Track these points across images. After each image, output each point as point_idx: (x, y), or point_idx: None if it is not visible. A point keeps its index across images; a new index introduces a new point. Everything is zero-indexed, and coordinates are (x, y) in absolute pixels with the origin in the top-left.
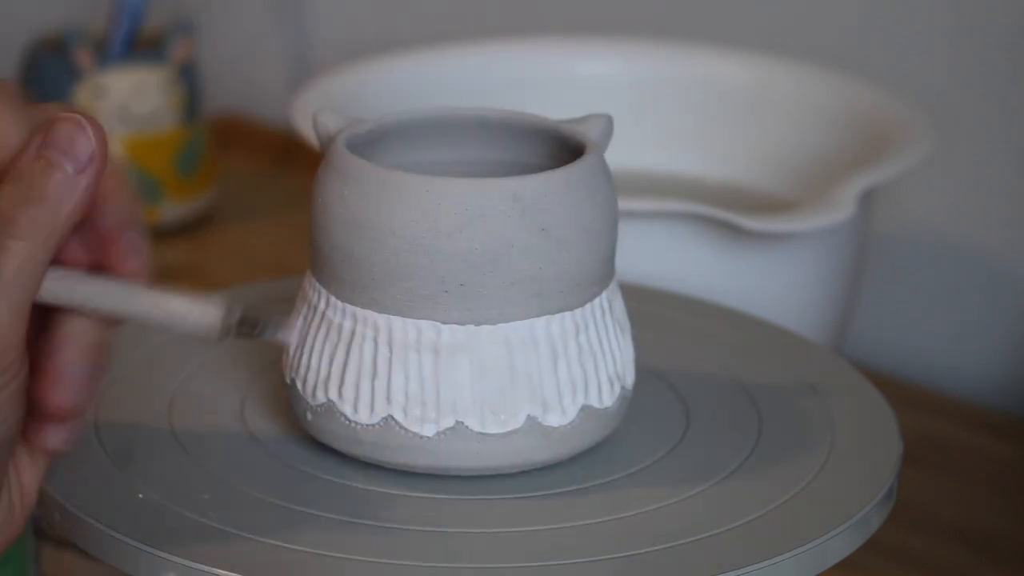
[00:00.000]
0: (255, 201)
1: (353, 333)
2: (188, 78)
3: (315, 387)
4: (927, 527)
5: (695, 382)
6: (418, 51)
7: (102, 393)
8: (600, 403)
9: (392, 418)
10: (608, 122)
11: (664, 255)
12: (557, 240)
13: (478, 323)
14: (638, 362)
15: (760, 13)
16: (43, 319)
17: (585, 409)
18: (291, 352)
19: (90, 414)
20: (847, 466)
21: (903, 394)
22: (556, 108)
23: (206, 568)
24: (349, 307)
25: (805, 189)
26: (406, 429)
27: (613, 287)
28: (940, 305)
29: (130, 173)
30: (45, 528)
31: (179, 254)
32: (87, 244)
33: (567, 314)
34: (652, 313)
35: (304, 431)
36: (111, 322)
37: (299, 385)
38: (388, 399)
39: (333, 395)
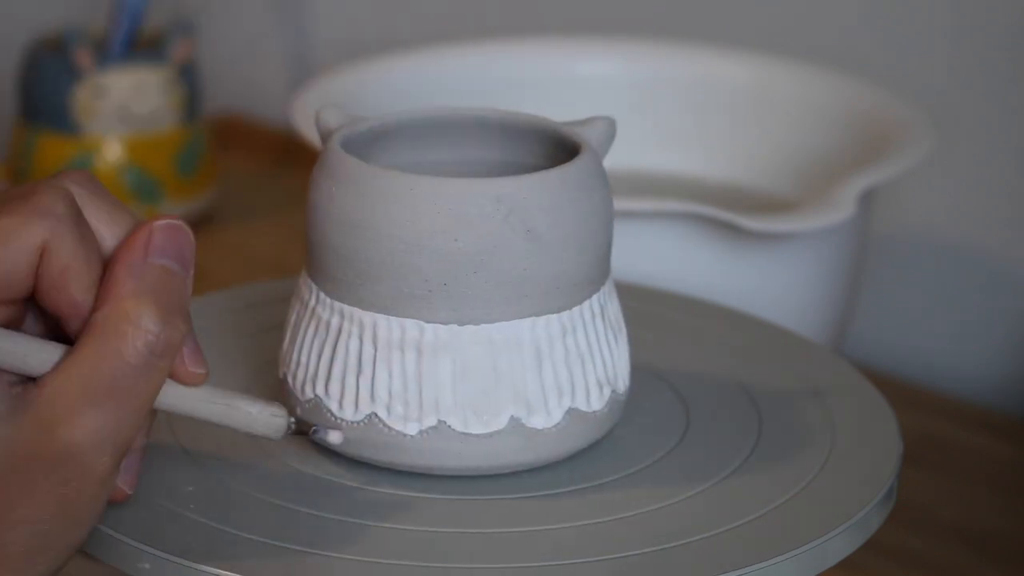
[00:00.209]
0: (255, 201)
1: (340, 330)
2: (188, 78)
3: (304, 383)
4: (927, 527)
5: (695, 382)
6: (418, 51)
7: None
8: (588, 406)
9: (376, 415)
10: (610, 125)
11: (664, 255)
12: (543, 242)
13: (462, 323)
14: (638, 362)
15: (760, 13)
16: None
17: (572, 412)
18: (283, 347)
19: None
20: (847, 466)
21: (903, 394)
22: (556, 108)
23: (206, 568)
24: (337, 304)
25: (805, 189)
26: (389, 427)
27: (607, 290)
28: (940, 305)
29: (130, 173)
30: None
31: None
32: None
33: (553, 316)
34: (652, 313)
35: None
36: None
37: (290, 380)
38: (372, 397)
39: (320, 391)
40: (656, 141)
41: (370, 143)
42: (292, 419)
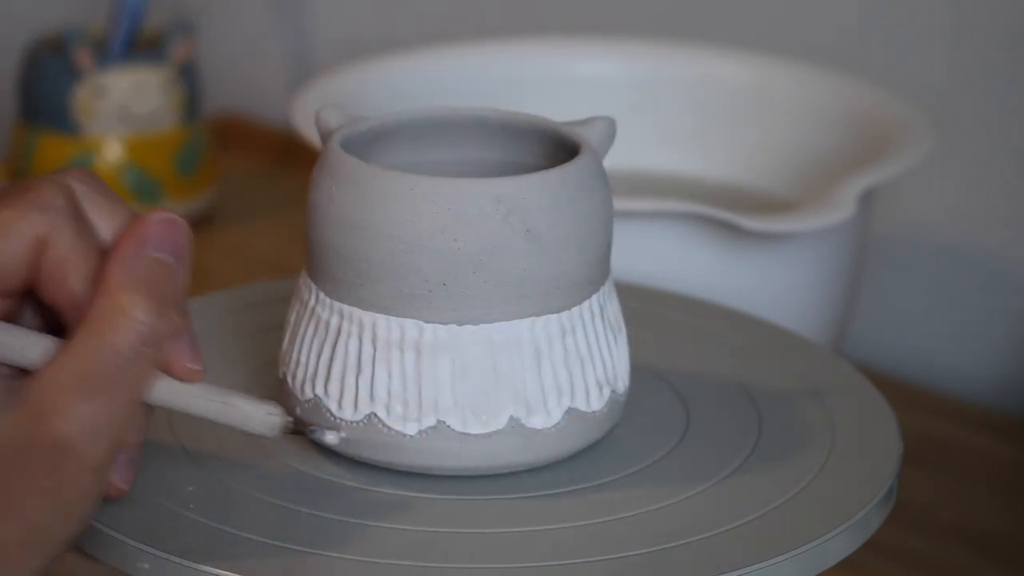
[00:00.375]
0: (255, 201)
1: (339, 330)
2: (188, 78)
3: (303, 383)
4: (927, 527)
5: (695, 382)
6: (418, 51)
7: None
8: (588, 407)
9: (375, 415)
10: (610, 125)
11: (664, 255)
12: (543, 242)
13: (461, 323)
14: (638, 362)
15: (760, 13)
16: None
17: (571, 412)
18: (283, 347)
19: None
20: (847, 466)
21: (903, 394)
22: (556, 108)
23: (206, 568)
24: (337, 304)
25: (805, 189)
26: (389, 427)
27: (606, 290)
28: (940, 305)
29: (130, 173)
30: None
31: None
32: None
33: (552, 316)
34: (652, 313)
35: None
36: None
37: (289, 380)
38: (371, 396)
39: (320, 391)
40: (656, 141)
41: (370, 143)
42: (289, 418)
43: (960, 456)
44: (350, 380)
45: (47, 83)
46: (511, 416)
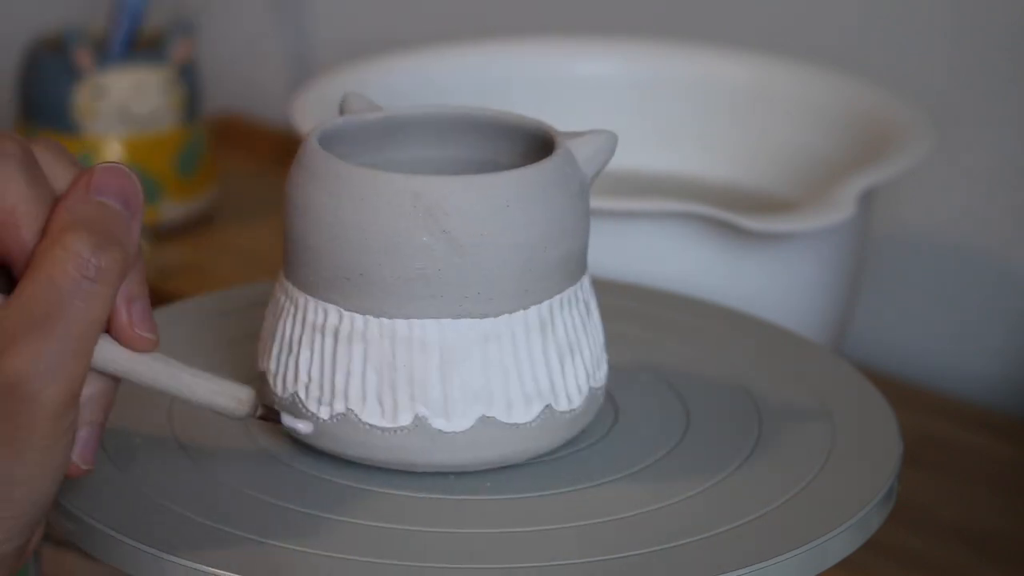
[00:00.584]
0: (255, 201)
1: (282, 308)
2: (188, 78)
3: (280, 378)
4: (927, 527)
5: (695, 382)
6: (418, 51)
7: None
8: (508, 417)
9: (297, 395)
10: (608, 139)
11: (664, 255)
12: (459, 245)
13: (374, 314)
14: (638, 362)
15: (760, 13)
16: None
17: (485, 420)
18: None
19: None
20: (847, 466)
21: (903, 394)
22: (556, 108)
23: (200, 566)
24: (285, 283)
25: (805, 189)
26: (307, 408)
27: (558, 302)
28: (940, 305)
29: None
30: (46, 529)
31: (179, 254)
32: None
33: (472, 321)
34: (652, 313)
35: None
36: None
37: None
38: (296, 377)
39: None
40: (656, 141)
41: (359, 139)
42: (260, 406)
43: (960, 456)
44: (283, 358)
45: (47, 83)
46: (416, 415)
